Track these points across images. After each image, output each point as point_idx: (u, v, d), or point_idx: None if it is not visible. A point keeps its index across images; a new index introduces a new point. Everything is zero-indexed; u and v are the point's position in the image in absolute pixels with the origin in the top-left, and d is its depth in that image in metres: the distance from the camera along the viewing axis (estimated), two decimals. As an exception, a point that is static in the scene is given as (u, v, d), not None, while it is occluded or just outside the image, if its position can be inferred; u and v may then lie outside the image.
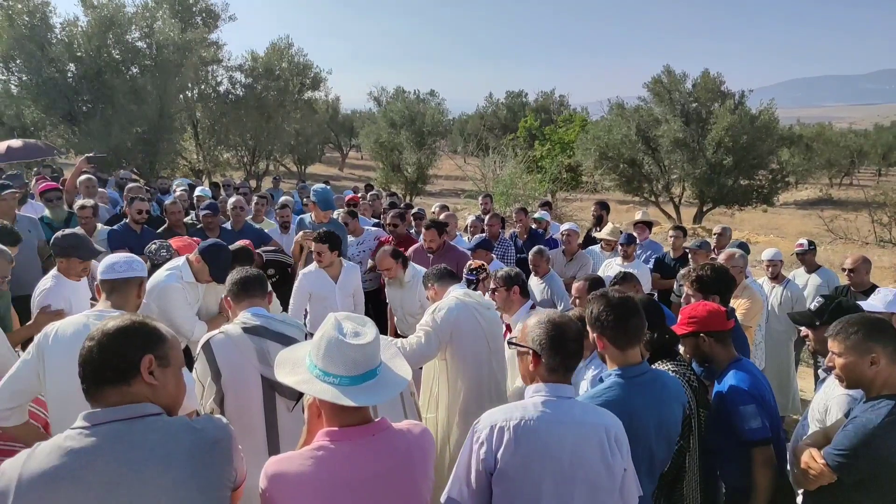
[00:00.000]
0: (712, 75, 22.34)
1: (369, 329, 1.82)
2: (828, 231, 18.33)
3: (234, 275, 2.88)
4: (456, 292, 3.62)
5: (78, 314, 2.67)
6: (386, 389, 1.80)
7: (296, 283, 4.95)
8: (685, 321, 2.87)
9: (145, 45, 15.76)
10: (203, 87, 19.27)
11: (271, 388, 2.64)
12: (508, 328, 3.88)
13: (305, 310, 5.00)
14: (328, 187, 6.56)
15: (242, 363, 2.59)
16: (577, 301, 4.36)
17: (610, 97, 26.55)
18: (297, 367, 1.84)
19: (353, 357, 1.73)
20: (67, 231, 3.75)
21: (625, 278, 4.21)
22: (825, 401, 2.65)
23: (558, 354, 2.01)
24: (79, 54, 14.70)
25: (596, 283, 4.28)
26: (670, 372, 2.84)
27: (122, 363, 1.56)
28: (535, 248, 5.79)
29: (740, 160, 21.24)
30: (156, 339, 1.63)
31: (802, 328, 3.25)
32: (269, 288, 3.00)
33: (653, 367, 2.88)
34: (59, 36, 14.94)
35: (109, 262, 2.78)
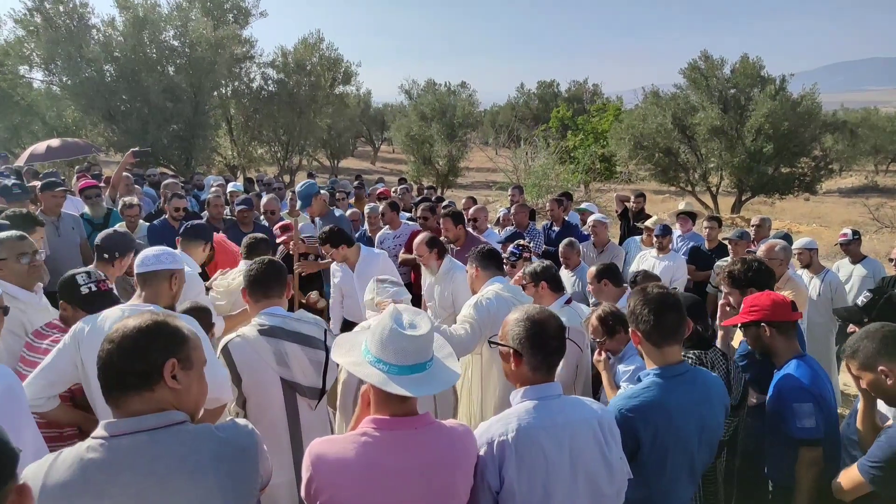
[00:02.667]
0: (751, 60, 21.61)
1: (425, 323, 1.85)
2: (873, 219, 17.65)
3: (248, 271, 2.83)
4: (495, 286, 3.58)
5: (114, 307, 2.70)
6: (434, 384, 1.81)
7: (332, 277, 5.15)
8: (747, 310, 2.78)
9: (179, 44, 16.04)
10: (236, 83, 19.52)
11: (291, 389, 2.65)
12: None
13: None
14: (312, 182, 6.40)
15: (261, 367, 2.59)
16: (590, 287, 4.28)
17: (645, 85, 26.00)
18: (353, 349, 1.90)
19: (405, 347, 1.77)
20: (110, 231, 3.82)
21: (645, 277, 4.12)
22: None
23: (539, 352, 1.95)
24: (116, 54, 15.05)
25: (607, 269, 4.22)
26: (698, 361, 2.77)
27: (145, 368, 1.50)
28: (565, 241, 5.71)
29: (781, 147, 20.54)
30: (179, 341, 1.58)
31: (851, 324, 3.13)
32: (287, 279, 2.94)
33: (683, 356, 2.82)
34: (96, 37, 15.31)
35: (141, 257, 2.83)
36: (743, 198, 22.16)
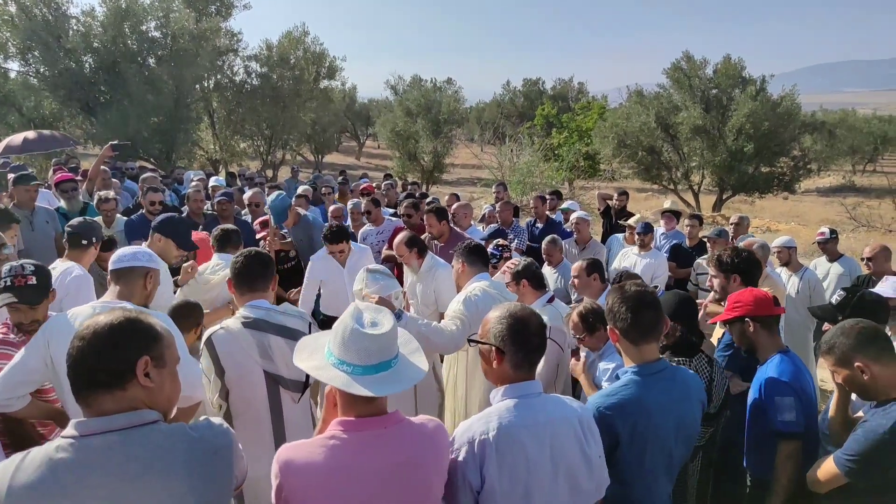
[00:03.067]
0: (733, 61, 21.89)
1: (387, 319, 1.82)
2: (850, 219, 17.97)
3: (234, 263, 2.82)
4: (482, 283, 3.57)
5: (85, 304, 2.66)
6: (399, 382, 1.78)
7: (307, 271, 5.05)
8: (731, 306, 2.81)
9: (161, 35, 15.80)
10: (219, 76, 19.26)
11: (275, 382, 2.64)
12: None
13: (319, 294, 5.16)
14: (283, 195, 5.96)
15: (244, 359, 2.58)
16: (576, 281, 4.30)
17: (629, 84, 26.18)
18: (315, 353, 1.85)
19: (367, 346, 1.74)
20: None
21: (627, 277, 4.16)
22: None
23: (521, 349, 1.95)
24: (95, 45, 14.79)
25: (597, 264, 4.26)
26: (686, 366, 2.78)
27: (117, 366, 1.46)
28: (548, 238, 5.74)
29: (762, 147, 20.85)
30: (151, 338, 1.54)
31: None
32: (274, 273, 2.94)
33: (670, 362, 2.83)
34: (75, 27, 15.03)
35: (118, 253, 2.79)
36: (724, 196, 22.44)
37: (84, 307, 2.61)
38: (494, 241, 4.82)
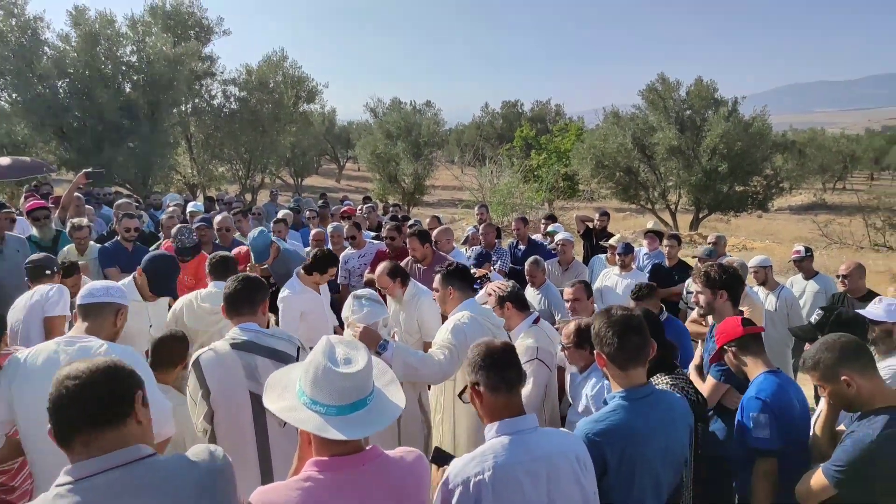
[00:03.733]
0: (706, 82, 22.44)
1: (361, 355, 1.75)
2: (822, 236, 18.35)
3: (226, 287, 2.82)
4: (466, 311, 3.50)
5: (48, 341, 2.58)
6: (376, 421, 1.71)
7: (282, 305, 4.58)
8: (716, 340, 2.85)
9: (136, 60, 15.69)
10: (197, 101, 19.15)
11: (260, 405, 2.57)
12: None
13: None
14: (265, 231, 5.77)
15: (230, 380, 2.56)
16: (575, 305, 4.30)
17: (605, 105, 26.64)
18: (286, 391, 1.79)
19: (341, 386, 1.66)
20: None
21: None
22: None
23: (492, 370, 1.96)
24: (70, 70, 14.62)
25: (588, 286, 4.28)
26: (667, 385, 2.77)
27: (120, 400, 1.48)
28: (530, 259, 5.73)
29: (735, 167, 21.32)
30: (137, 377, 1.57)
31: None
32: (266, 297, 2.91)
33: (650, 381, 2.82)
34: (49, 52, 14.86)
35: (89, 288, 2.75)
36: (700, 215, 22.81)
37: (47, 343, 2.54)
38: (472, 275, 4.71)
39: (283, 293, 4.60)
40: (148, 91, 15.37)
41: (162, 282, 3.71)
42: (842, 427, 2.51)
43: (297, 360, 2.68)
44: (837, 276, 5.40)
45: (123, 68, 15.59)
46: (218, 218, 6.59)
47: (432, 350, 3.34)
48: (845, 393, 2.29)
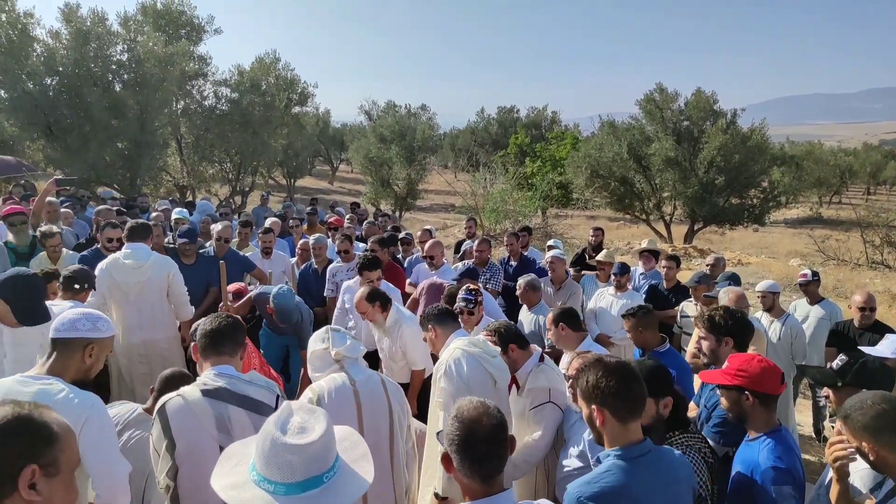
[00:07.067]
0: (705, 94, 22.27)
1: (319, 424, 1.52)
2: (818, 251, 18.18)
3: (204, 324, 2.60)
4: (458, 343, 3.28)
5: (10, 377, 2.36)
6: (333, 501, 1.48)
7: (339, 300, 5.43)
8: (732, 372, 2.55)
9: (126, 59, 15.39)
10: (188, 101, 18.86)
11: None
12: (515, 381, 3.46)
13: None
14: (288, 291, 5.11)
15: (198, 433, 2.32)
16: (550, 334, 3.99)
17: (601, 112, 26.50)
18: (240, 465, 1.59)
19: (290, 461, 1.45)
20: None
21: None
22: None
23: (467, 457, 1.71)
24: (59, 69, 14.31)
25: (564, 313, 3.96)
26: (684, 447, 2.52)
27: None
28: (524, 282, 5.51)
29: (732, 180, 21.17)
30: (43, 442, 1.33)
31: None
32: (245, 341, 2.70)
33: (668, 439, 2.57)
34: (38, 49, 14.56)
35: (58, 320, 2.48)
36: (695, 227, 22.66)
37: (5, 380, 2.33)
38: (465, 287, 4.56)
39: (345, 286, 5.49)
40: (138, 91, 15.06)
41: (29, 311, 3.14)
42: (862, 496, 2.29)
43: (276, 409, 2.45)
44: (853, 307, 5.22)
45: (114, 67, 15.28)
46: (218, 227, 6.36)
47: (432, 406, 3.21)
48: (864, 454, 2.14)
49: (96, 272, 4.57)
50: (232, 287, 5.46)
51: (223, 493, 1.52)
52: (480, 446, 1.69)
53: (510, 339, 3.42)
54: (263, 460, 1.49)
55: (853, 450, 2.19)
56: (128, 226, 4.96)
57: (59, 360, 2.40)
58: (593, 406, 2.08)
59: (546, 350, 3.97)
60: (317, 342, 2.86)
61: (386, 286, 5.08)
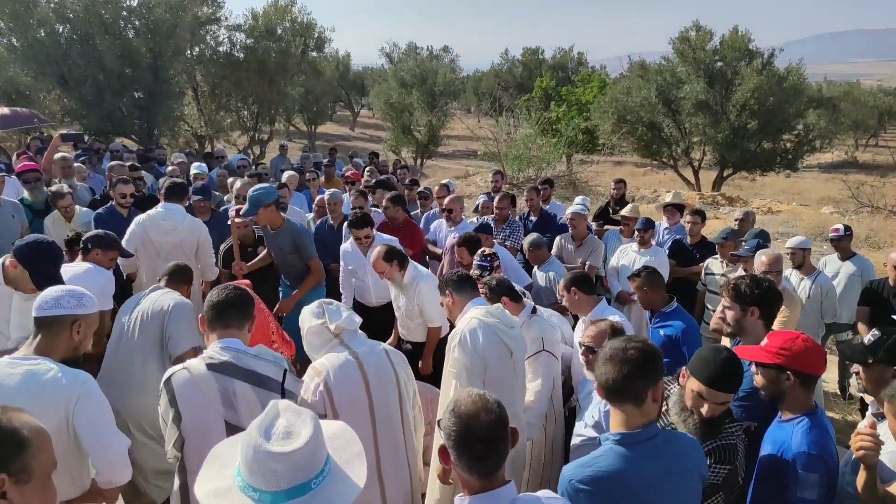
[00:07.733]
0: (741, 32, 21.06)
1: (305, 427, 1.43)
2: (852, 197, 17.47)
3: (212, 295, 2.55)
4: (475, 311, 3.19)
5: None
6: None
7: (341, 260, 5.33)
8: (774, 350, 2.40)
9: (137, 5, 15.05)
10: (202, 47, 18.44)
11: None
12: None
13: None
14: (266, 188, 4.98)
15: (204, 407, 2.33)
16: (564, 300, 3.91)
17: (630, 52, 25.39)
18: (225, 467, 1.54)
19: (275, 469, 1.38)
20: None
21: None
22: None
23: (464, 454, 1.61)
24: (70, 15, 14.06)
25: (575, 278, 3.89)
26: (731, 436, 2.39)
27: None
28: (528, 243, 5.45)
29: (765, 124, 20.21)
30: (13, 450, 1.30)
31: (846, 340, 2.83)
32: (254, 313, 2.65)
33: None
34: (49, -5, 14.32)
35: (41, 297, 2.39)
36: (724, 174, 21.96)
37: None
38: (480, 252, 4.45)
39: (343, 246, 5.35)
40: (150, 38, 14.77)
41: (46, 276, 3.09)
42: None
43: (283, 384, 2.42)
44: (889, 265, 4.98)
45: (124, 13, 14.98)
46: (237, 184, 6.28)
47: (445, 374, 3.17)
48: None
49: (133, 226, 4.80)
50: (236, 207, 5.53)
51: (205, 501, 1.46)
52: (478, 444, 1.58)
53: (502, 293, 3.53)
54: (247, 468, 1.42)
55: (879, 444, 2.09)
56: (165, 185, 5.11)
57: (46, 339, 2.35)
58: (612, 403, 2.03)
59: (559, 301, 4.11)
60: (311, 318, 2.72)
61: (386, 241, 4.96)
